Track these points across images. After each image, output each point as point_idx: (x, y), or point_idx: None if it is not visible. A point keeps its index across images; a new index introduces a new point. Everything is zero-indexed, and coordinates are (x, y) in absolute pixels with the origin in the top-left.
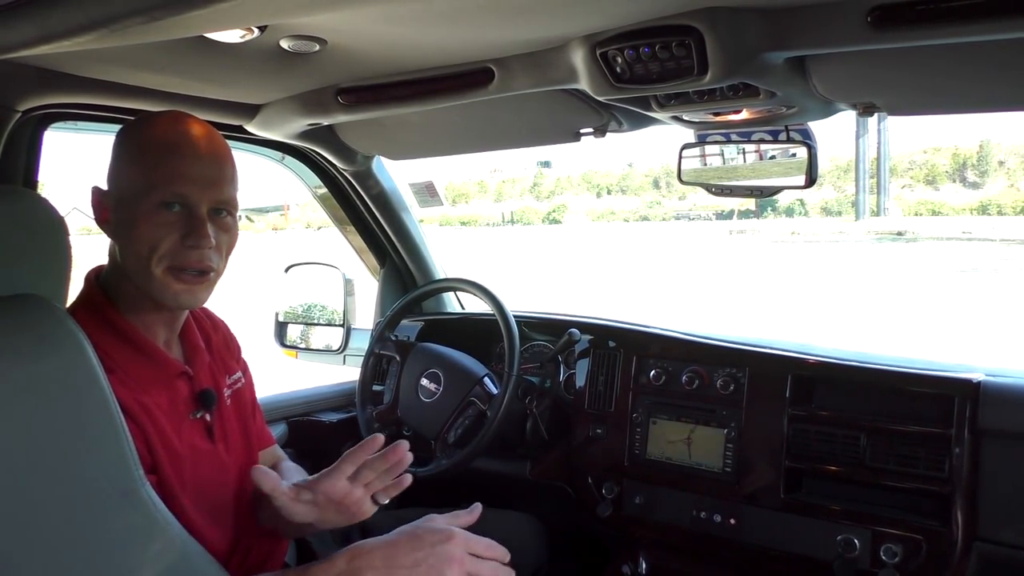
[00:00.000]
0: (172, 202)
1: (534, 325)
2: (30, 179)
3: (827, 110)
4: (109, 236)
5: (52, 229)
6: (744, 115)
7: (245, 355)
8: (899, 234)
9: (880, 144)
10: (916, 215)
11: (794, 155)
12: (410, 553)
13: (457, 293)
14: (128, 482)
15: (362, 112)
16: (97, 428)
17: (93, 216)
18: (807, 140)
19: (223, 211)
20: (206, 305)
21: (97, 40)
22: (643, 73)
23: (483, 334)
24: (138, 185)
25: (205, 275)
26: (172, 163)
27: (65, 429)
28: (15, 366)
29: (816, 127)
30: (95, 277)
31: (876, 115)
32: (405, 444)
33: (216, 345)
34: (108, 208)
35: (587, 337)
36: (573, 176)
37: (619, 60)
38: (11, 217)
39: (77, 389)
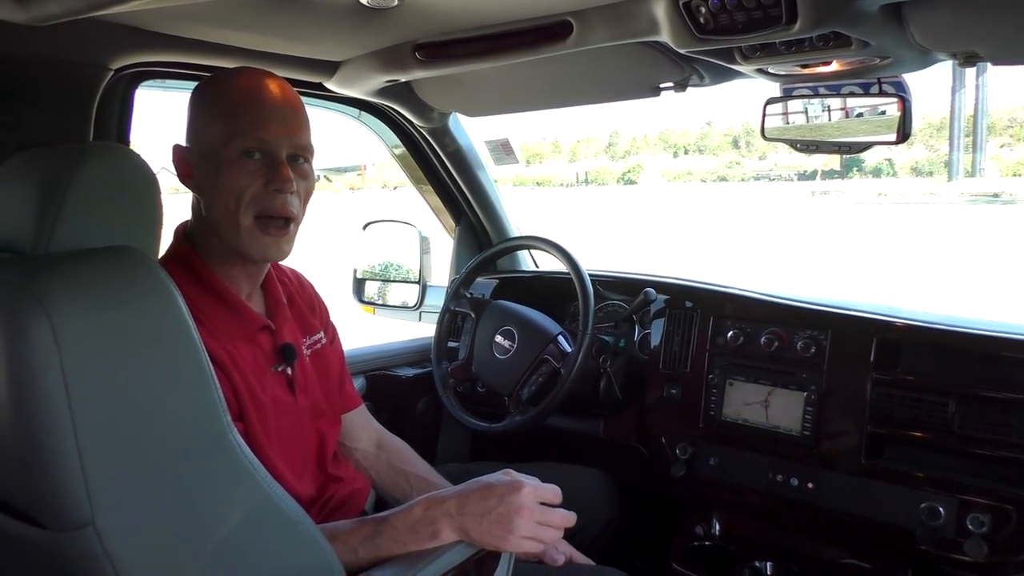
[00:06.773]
0: (253, 150)
1: (609, 284)
2: (123, 137)
3: (924, 61)
4: (194, 191)
5: (145, 184)
6: (834, 67)
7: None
8: (995, 196)
9: (978, 100)
10: (1015, 176)
11: (883, 112)
12: (481, 501)
13: (532, 251)
14: (217, 427)
15: (439, 68)
16: (188, 374)
17: (176, 173)
18: (901, 93)
19: (300, 157)
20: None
21: None
22: (728, 23)
23: (557, 292)
24: (220, 136)
25: (288, 225)
26: (251, 111)
27: (158, 374)
28: (111, 312)
29: (909, 79)
30: (183, 231)
31: (976, 67)
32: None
33: (299, 304)
34: (191, 164)
35: (663, 297)
36: (649, 135)
37: (703, 10)
38: (107, 172)
39: (169, 336)
